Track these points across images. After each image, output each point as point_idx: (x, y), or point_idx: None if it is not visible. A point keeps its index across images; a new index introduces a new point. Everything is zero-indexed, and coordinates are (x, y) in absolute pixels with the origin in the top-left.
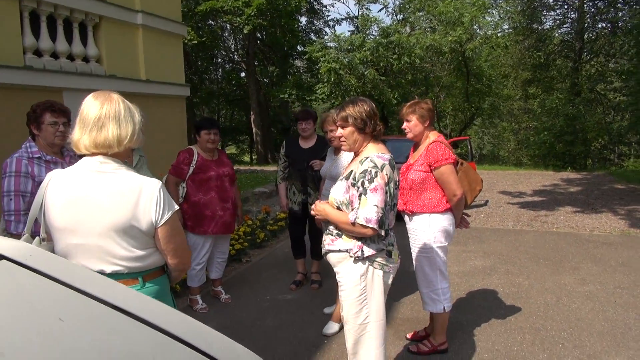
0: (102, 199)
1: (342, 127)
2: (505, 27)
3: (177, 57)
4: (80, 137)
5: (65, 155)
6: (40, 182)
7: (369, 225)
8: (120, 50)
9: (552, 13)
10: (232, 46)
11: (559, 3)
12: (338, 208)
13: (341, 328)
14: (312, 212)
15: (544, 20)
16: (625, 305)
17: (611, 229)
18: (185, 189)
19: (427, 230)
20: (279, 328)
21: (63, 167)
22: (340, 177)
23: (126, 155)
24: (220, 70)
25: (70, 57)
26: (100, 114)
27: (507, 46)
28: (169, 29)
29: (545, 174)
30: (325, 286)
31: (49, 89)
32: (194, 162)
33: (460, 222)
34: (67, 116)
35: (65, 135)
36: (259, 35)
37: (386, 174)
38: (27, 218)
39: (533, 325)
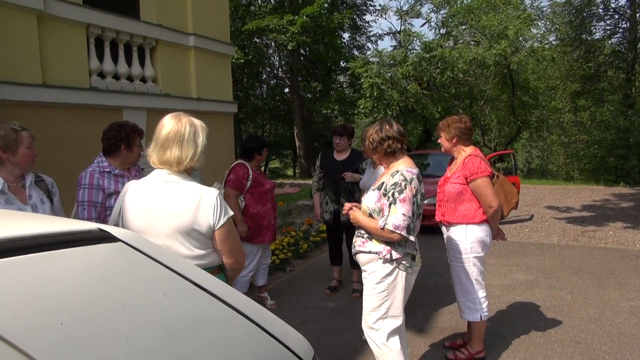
0: (169, 206)
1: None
2: (552, 38)
3: (226, 75)
4: (151, 153)
5: (131, 169)
6: (109, 194)
7: (397, 231)
8: (174, 71)
9: (602, 23)
10: (277, 63)
11: (609, 13)
12: (370, 215)
13: None
14: (344, 212)
15: (594, 31)
16: None
17: None
18: (244, 202)
19: (464, 240)
20: (321, 333)
21: (129, 180)
22: (372, 188)
23: (188, 170)
24: (264, 86)
25: (130, 78)
26: (168, 136)
27: (554, 58)
28: (218, 50)
29: (596, 188)
30: None
31: (111, 107)
32: (250, 176)
33: (497, 234)
34: None
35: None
36: (302, 51)
37: (414, 187)
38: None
39: (573, 338)
